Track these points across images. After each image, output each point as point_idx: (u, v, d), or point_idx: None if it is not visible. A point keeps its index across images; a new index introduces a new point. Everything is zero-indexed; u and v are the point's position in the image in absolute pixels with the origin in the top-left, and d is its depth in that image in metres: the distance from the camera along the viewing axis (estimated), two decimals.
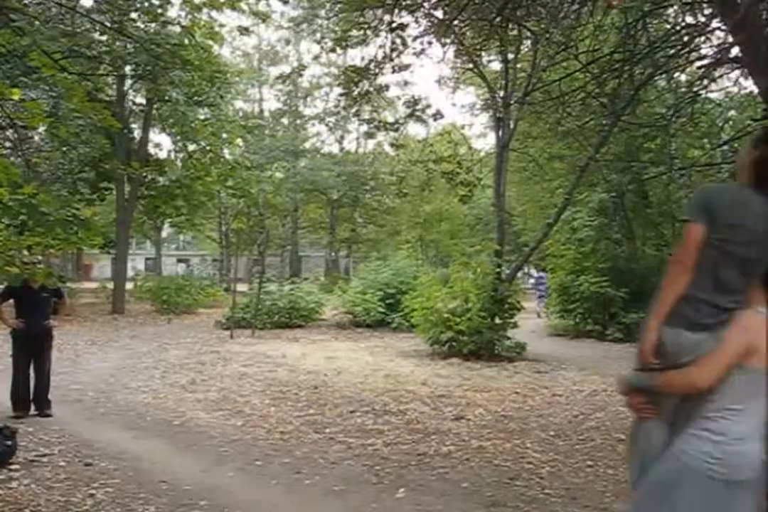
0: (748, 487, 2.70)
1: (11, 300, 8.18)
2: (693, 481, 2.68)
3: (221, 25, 19.72)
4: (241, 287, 23.32)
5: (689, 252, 2.83)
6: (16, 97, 5.63)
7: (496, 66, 16.61)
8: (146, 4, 16.52)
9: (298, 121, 42.49)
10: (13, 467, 5.85)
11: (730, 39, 8.11)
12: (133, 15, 16.17)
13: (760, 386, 2.72)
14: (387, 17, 9.81)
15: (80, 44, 14.58)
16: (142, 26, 16.67)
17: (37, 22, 10.92)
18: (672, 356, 2.85)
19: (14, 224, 5.45)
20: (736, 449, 2.69)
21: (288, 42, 42.29)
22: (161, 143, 50.27)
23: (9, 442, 6.03)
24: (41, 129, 13.71)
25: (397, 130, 13.60)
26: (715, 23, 8.92)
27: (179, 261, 60.56)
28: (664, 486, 2.76)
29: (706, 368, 2.71)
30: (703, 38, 9.63)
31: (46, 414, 8.02)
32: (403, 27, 9.91)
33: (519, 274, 17.55)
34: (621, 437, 6.96)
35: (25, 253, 5.94)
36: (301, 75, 31.91)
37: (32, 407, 8.08)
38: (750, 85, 11.32)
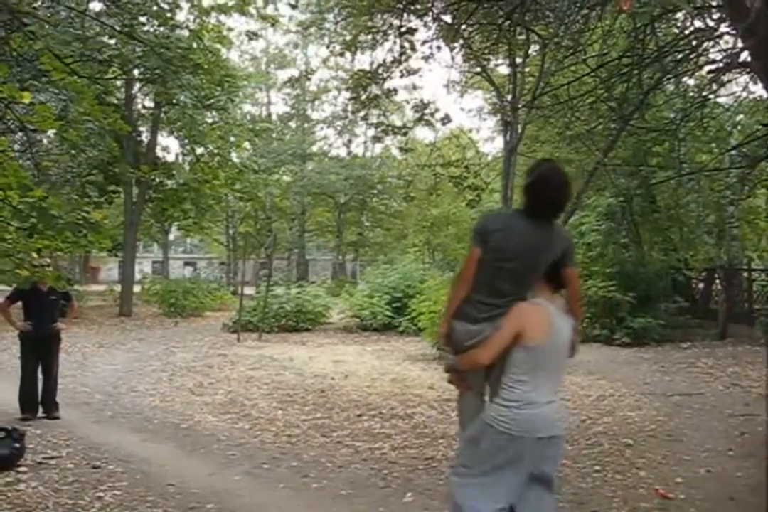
0: (552, 443, 3.65)
1: (19, 303, 8.21)
2: (492, 438, 3.56)
3: (229, 29, 19.85)
4: (248, 290, 23.36)
5: (469, 269, 3.76)
6: (26, 101, 5.65)
7: (504, 70, 16.66)
8: (155, 8, 16.56)
9: (306, 125, 42.57)
10: (21, 469, 5.87)
11: (739, 44, 8.10)
12: (142, 19, 16.23)
13: (540, 360, 3.58)
14: (396, 21, 9.83)
15: (91, 48, 14.62)
16: (151, 30, 16.73)
17: (47, 26, 10.96)
18: (460, 342, 3.79)
19: (23, 227, 5.45)
20: (528, 412, 3.55)
21: (296, 46, 42.38)
22: (169, 146, 50.39)
23: (17, 444, 6.05)
24: (50, 132, 13.74)
25: (405, 133, 13.61)
26: (723, 28, 8.91)
27: (186, 264, 60.65)
28: (474, 441, 3.68)
29: (485, 348, 3.61)
30: (711, 43, 9.62)
31: (54, 416, 8.04)
32: (411, 31, 9.94)
33: None
34: (629, 442, 6.95)
35: (34, 255, 5.94)
36: (309, 79, 32.10)
37: (40, 409, 8.10)
38: (759, 90, 11.29)
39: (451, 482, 3.78)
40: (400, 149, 14.82)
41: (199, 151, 25.02)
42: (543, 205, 3.69)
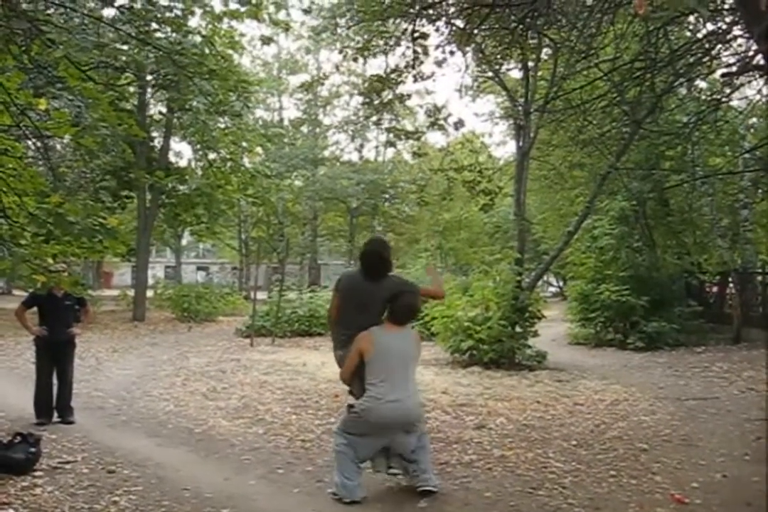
0: (406, 430, 5.44)
1: (35, 308, 8.26)
2: (362, 423, 5.38)
3: (242, 35, 19.93)
4: (261, 295, 23.38)
5: (333, 308, 5.86)
6: (42, 107, 5.69)
7: (517, 74, 16.62)
8: (168, 14, 16.64)
9: (318, 130, 42.63)
10: (37, 474, 5.89)
11: (753, 47, 8.09)
12: (155, 25, 16.31)
13: (383, 367, 5.36)
14: (409, 27, 9.85)
15: (107, 55, 14.71)
16: (164, 36, 16.81)
17: (64, 34, 11.03)
18: (340, 363, 5.74)
19: (40, 233, 5.48)
20: (390, 405, 5.28)
21: (308, 51, 42.46)
22: (182, 152, 50.67)
23: (33, 449, 6.07)
24: (65, 138, 13.82)
25: (418, 138, 13.62)
26: (737, 31, 8.90)
27: (199, 269, 60.89)
28: (354, 417, 5.41)
29: (343, 368, 5.62)
30: (724, 46, 9.61)
31: (69, 421, 8.07)
32: (424, 36, 9.95)
33: (539, 283, 17.47)
34: (644, 447, 6.92)
35: (50, 261, 5.97)
36: (322, 84, 32.16)
37: (55, 414, 8.13)
38: None
39: (335, 437, 5.62)
40: (413, 154, 14.82)
41: (212, 156, 25.09)
42: (368, 270, 5.73)
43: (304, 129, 42.88)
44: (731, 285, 18.49)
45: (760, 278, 18.23)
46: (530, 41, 10.88)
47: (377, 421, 5.30)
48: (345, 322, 5.65)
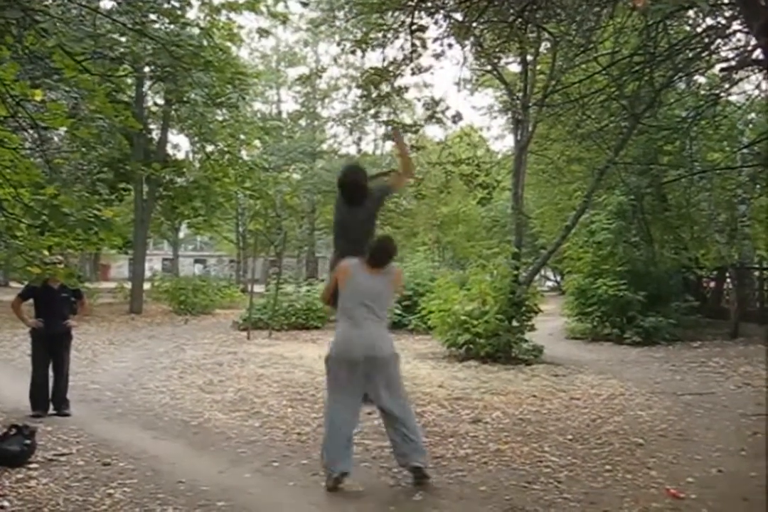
0: (374, 363, 5.44)
1: (31, 300, 8.24)
2: (330, 365, 5.58)
3: (240, 27, 19.85)
4: (258, 288, 23.37)
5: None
6: (38, 98, 5.66)
7: (515, 68, 16.58)
8: (166, 5, 16.57)
9: (316, 123, 42.56)
10: (31, 466, 5.88)
11: (752, 41, 8.06)
12: (153, 16, 16.23)
13: (353, 306, 5.49)
14: (407, 19, 9.81)
15: (103, 45, 14.64)
16: (162, 28, 16.74)
17: (58, 24, 10.96)
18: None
19: (35, 224, 5.46)
20: (354, 338, 5.43)
21: (306, 43, 42.36)
22: (179, 144, 50.60)
23: (28, 441, 6.07)
24: (61, 130, 13.76)
25: (416, 131, 13.57)
26: (736, 25, 8.87)
27: (196, 261, 60.88)
28: (329, 375, 5.62)
29: (324, 288, 6.11)
30: (724, 41, 9.59)
31: (65, 413, 8.06)
32: (422, 29, 9.90)
33: (537, 277, 17.47)
34: (640, 441, 6.92)
35: (46, 253, 5.95)
36: (320, 76, 32.07)
37: (51, 406, 8.13)
38: None
39: (324, 406, 5.90)
40: (411, 147, 14.77)
41: (209, 148, 25.05)
42: (348, 194, 5.84)
43: (303, 122, 42.80)
44: (728, 280, 18.50)
45: (757, 273, 18.25)
46: (529, 35, 10.84)
47: (341, 355, 5.48)
48: (339, 249, 5.95)
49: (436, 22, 10.04)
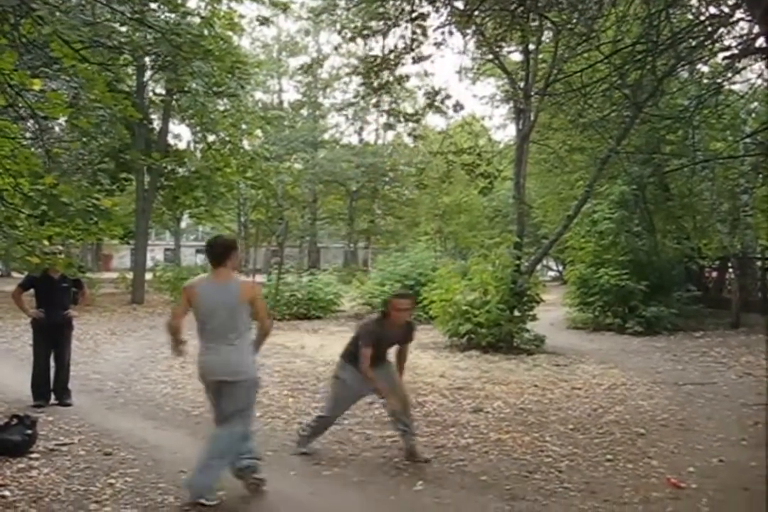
0: (229, 385, 5.02)
1: (32, 290, 8.23)
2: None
3: (241, 16, 19.79)
4: (260, 278, 23.37)
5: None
6: (37, 88, 5.64)
7: (517, 57, 16.52)
8: None
9: (318, 112, 42.49)
10: (33, 456, 5.89)
11: (755, 30, 8.01)
12: (153, 5, 16.17)
13: (206, 318, 5.23)
14: (408, 7, 9.75)
15: (101, 34, 14.60)
16: (162, 17, 16.68)
17: (58, 13, 10.92)
18: None
19: (35, 214, 5.45)
20: (206, 359, 5.25)
21: (307, 33, 42.23)
22: (181, 134, 50.50)
23: (29, 431, 6.07)
24: (61, 120, 13.74)
25: (417, 120, 13.52)
26: (739, 14, 8.80)
27: (198, 251, 60.64)
28: None
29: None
30: (727, 29, 9.51)
31: (66, 403, 8.07)
32: (423, 17, 9.84)
33: (538, 267, 17.45)
34: (641, 431, 6.93)
35: (45, 242, 5.94)
36: (321, 65, 32.00)
37: (52, 396, 8.14)
38: None
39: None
40: (412, 136, 14.73)
41: (211, 138, 25.00)
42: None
43: (304, 111, 42.77)
44: (730, 270, 18.48)
45: (759, 263, 18.22)
46: (531, 23, 10.77)
47: (201, 375, 5.34)
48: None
49: (437, 10, 9.96)
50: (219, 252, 5.28)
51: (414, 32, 9.99)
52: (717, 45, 10.05)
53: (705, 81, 12.51)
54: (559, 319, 18.23)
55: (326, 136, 42.18)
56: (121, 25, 15.76)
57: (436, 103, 12.12)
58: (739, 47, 9.10)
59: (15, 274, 32.60)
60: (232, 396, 5.06)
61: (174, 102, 24.77)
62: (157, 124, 26.65)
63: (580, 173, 20.17)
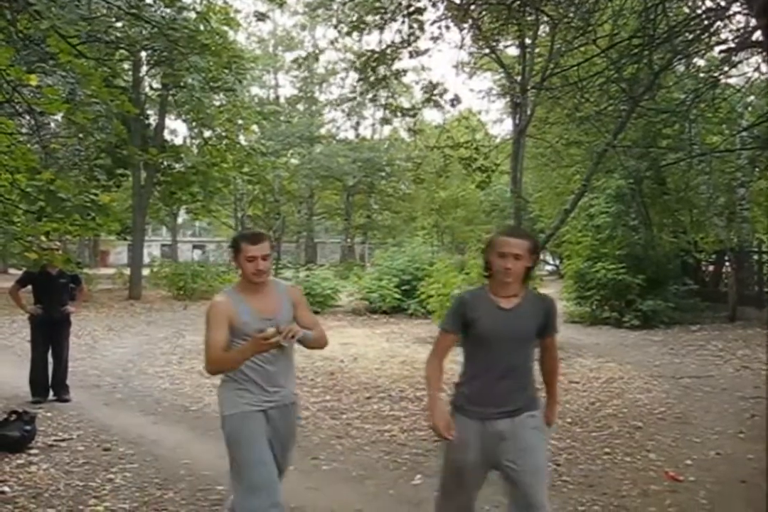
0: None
1: (29, 286, 8.22)
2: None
3: (237, 11, 19.76)
4: None
5: None
6: (33, 83, 5.63)
7: (514, 51, 16.51)
8: None
9: (314, 107, 42.44)
10: (32, 452, 5.91)
11: (752, 23, 8.01)
12: (149, 0, 16.11)
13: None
14: (404, 2, 9.74)
15: (98, 29, 14.55)
16: (158, 12, 16.63)
17: (54, 8, 10.89)
18: None
19: (32, 210, 5.45)
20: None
21: (303, 27, 42.16)
22: (177, 129, 50.47)
23: (28, 427, 6.08)
24: (58, 115, 13.70)
25: (414, 115, 13.51)
26: (735, 7, 8.80)
27: (195, 247, 60.79)
28: None
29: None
30: (723, 23, 9.51)
31: (65, 399, 8.08)
32: (420, 11, 9.83)
33: None
34: (638, 424, 6.95)
35: (43, 238, 5.94)
36: (316, 60, 31.94)
37: (51, 392, 8.15)
38: None
39: None
40: (409, 130, 14.72)
41: (207, 133, 25.00)
42: None
43: (300, 106, 42.70)
44: (727, 263, 18.48)
45: (756, 257, 18.23)
46: (527, 17, 10.77)
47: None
48: None
49: (433, 5, 9.97)
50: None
51: (411, 26, 9.99)
52: (714, 38, 10.03)
53: (702, 75, 12.49)
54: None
55: (323, 131, 42.10)
56: (117, 20, 15.71)
57: (434, 98, 12.11)
58: (736, 41, 9.09)
59: (12, 271, 32.58)
60: None
61: (170, 97, 24.73)
62: (153, 120, 26.62)
63: (576, 167, 20.15)
